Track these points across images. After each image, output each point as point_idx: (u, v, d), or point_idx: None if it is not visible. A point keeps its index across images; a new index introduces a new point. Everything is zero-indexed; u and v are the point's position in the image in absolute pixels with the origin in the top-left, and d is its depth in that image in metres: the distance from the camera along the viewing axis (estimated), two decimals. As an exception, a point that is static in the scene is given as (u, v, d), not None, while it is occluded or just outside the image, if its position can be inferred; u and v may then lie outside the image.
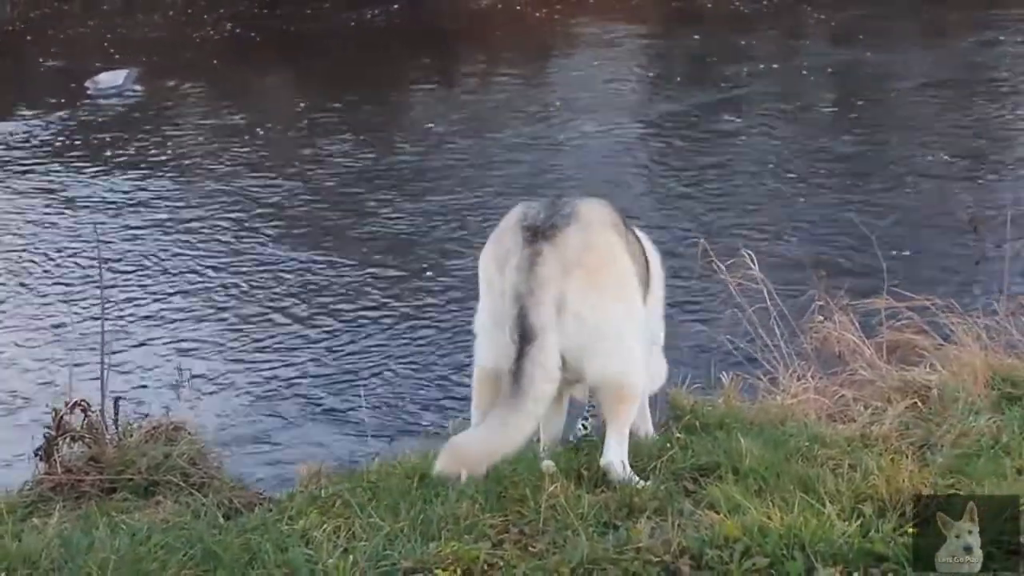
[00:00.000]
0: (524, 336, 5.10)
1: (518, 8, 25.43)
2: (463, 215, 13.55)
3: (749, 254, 7.82)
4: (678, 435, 5.77)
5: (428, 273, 11.97)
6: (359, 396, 8.99)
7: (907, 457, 5.33)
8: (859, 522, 4.77)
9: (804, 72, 20.00)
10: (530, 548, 4.80)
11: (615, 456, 5.39)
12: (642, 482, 5.34)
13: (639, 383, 5.47)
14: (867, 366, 7.17)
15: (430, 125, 17.73)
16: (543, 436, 5.89)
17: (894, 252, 7.23)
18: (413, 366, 9.78)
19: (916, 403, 6.47)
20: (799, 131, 16.45)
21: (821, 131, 16.53)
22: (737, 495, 4.98)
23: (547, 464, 5.37)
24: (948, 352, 7.25)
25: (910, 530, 4.73)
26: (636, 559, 4.60)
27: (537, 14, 24.88)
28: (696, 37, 22.55)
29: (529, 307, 5.11)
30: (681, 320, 9.86)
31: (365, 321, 10.82)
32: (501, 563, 4.66)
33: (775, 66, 20.03)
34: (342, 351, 10.19)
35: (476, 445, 5.18)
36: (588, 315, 5.21)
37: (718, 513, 4.87)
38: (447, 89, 19.76)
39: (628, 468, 5.40)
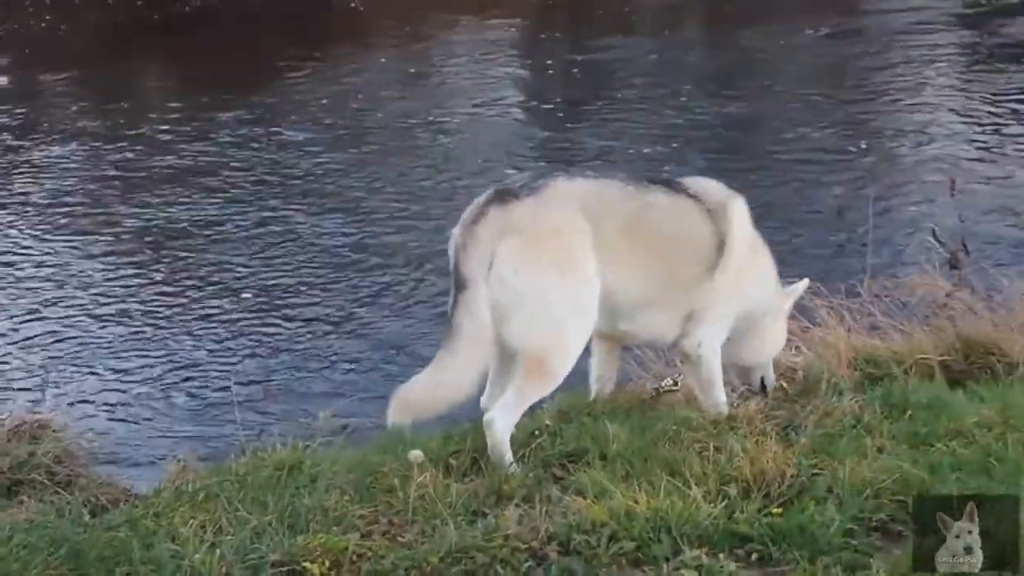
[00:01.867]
0: (458, 286, 5.39)
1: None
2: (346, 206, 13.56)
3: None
4: (547, 422, 5.79)
5: (303, 267, 11.89)
6: (229, 389, 8.90)
7: (771, 438, 5.38)
8: (724, 503, 4.82)
9: (678, 59, 20.20)
10: (399, 538, 4.80)
11: (500, 416, 5.45)
12: (515, 465, 5.39)
13: (555, 359, 5.52)
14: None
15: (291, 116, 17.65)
16: (592, 383, 6.28)
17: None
18: (284, 357, 9.72)
19: (782, 385, 6.56)
20: (667, 115, 16.57)
21: (689, 117, 16.66)
22: (604, 480, 5.01)
23: (415, 454, 5.36)
24: (814, 335, 7.35)
25: (774, 510, 4.81)
26: (504, 546, 4.61)
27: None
28: (565, 28, 22.67)
29: (461, 260, 5.40)
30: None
31: (235, 314, 10.72)
32: (370, 554, 4.64)
33: (652, 54, 20.26)
34: (211, 344, 10.10)
35: (419, 392, 5.41)
36: (510, 279, 5.38)
37: (585, 499, 4.90)
38: (317, 75, 19.64)
39: (507, 439, 5.44)
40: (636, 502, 4.78)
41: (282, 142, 16.16)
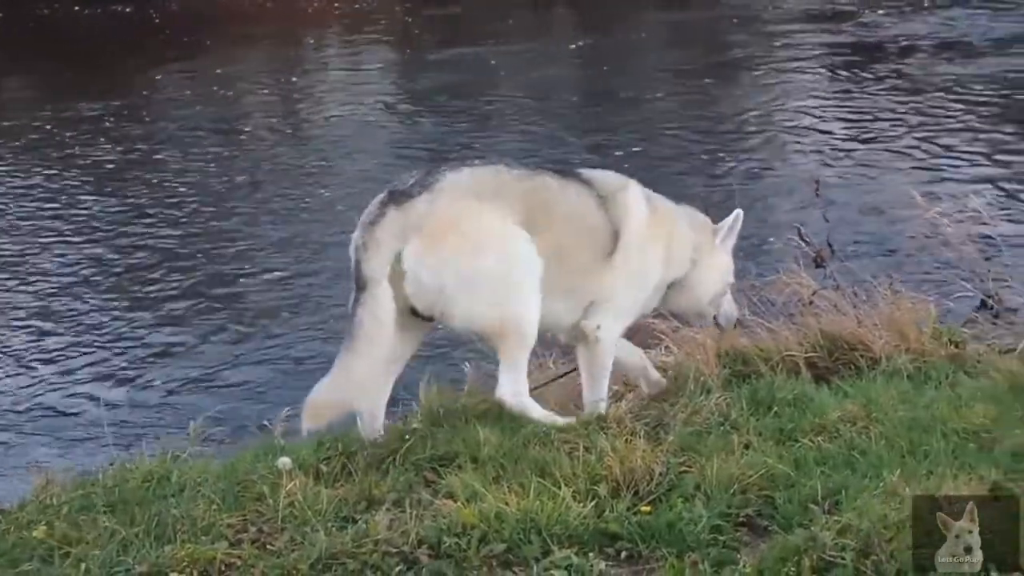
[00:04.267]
0: (358, 285, 5.60)
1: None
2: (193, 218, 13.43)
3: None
4: (415, 426, 5.79)
5: (168, 277, 11.75)
6: (97, 401, 8.78)
7: (640, 437, 5.41)
8: (594, 503, 4.85)
9: (551, 55, 20.33)
10: (268, 546, 4.76)
11: (505, 385, 5.82)
12: (540, 410, 5.78)
13: (519, 320, 5.77)
14: (606, 350, 7.26)
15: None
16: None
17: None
18: (151, 369, 9.59)
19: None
20: (529, 117, 16.65)
21: (553, 115, 16.76)
22: (475, 483, 5.01)
23: (283, 461, 5.35)
24: (684, 334, 7.41)
25: (643, 508, 4.84)
26: (375, 551, 4.60)
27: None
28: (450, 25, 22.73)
29: (361, 260, 5.60)
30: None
31: (100, 324, 10.57)
32: (239, 563, 4.60)
33: (522, 49, 20.38)
34: (77, 355, 9.94)
35: (326, 395, 5.62)
36: (425, 276, 5.61)
37: (456, 502, 4.90)
38: (177, 83, 19.47)
39: (522, 397, 5.82)
40: (506, 504, 4.78)
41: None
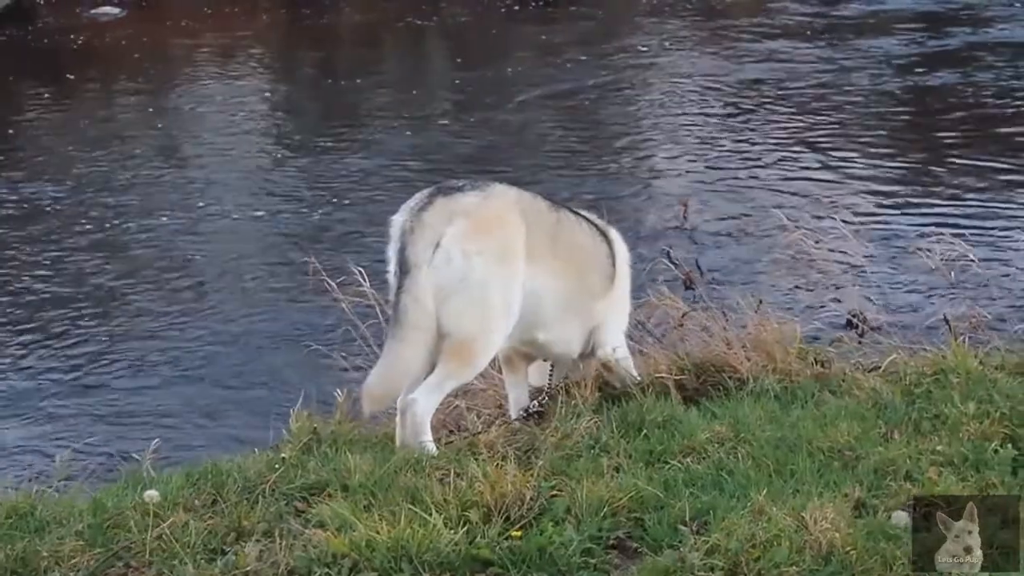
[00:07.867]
0: (402, 270, 5.75)
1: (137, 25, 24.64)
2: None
3: (360, 271, 7.87)
4: (283, 455, 5.75)
5: (46, 308, 11.55)
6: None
7: (511, 462, 5.43)
8: (465, 529, 4.85)
9: (430, 85, 20.31)
10: (136, 580, 4.70)
11: (423, 396, 5.87)
12: (433, 445, 5.82)
13: (479, 348, 5.91)
14: (480, 376, 7.27)
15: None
16: (510, 404, 6.69)
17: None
18: (14, 402, 9.40)
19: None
20: (412, 144, 16.60)
21: (435, 142, 16.72)
22: (346, 512, 4.98)
23: (150, 494, 5.27)
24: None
25: (514, 533, 4.86)
26: (244, 583, 4.57)
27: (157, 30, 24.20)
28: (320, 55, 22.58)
29: (407, 243, 5.75)
30: (296, 340, 9.85)
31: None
32: (105, 599, 4.54)
33: (404, 78, 20.35)
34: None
35: (377, 383, 5.85)
36: (457, 259, 5.75)
37: (327, 531, 4.87)
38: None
39: (427, 420, 5.89)
40: (377, 532, 4.76)
41: None
